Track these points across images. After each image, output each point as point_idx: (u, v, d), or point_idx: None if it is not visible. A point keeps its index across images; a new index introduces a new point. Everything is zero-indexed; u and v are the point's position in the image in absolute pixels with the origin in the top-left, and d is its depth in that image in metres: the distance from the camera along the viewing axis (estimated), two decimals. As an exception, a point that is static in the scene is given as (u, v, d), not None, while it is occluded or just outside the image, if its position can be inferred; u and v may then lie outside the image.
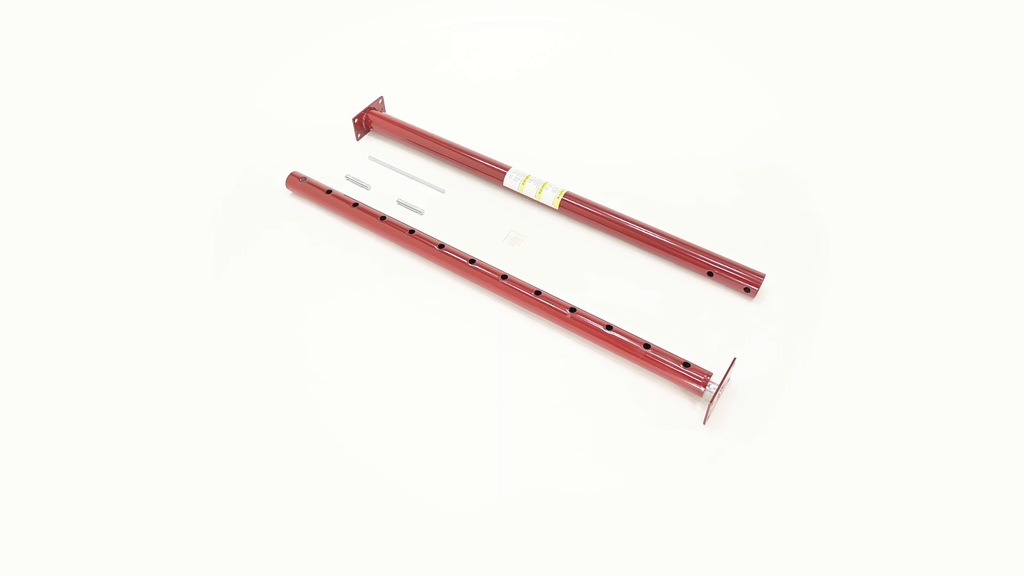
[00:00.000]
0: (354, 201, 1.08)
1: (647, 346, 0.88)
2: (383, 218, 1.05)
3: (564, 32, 1.43)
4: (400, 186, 1.15)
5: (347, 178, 1.16)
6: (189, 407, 0.88)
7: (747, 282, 0.96)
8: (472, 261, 0.99)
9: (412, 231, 1.03)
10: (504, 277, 0.97)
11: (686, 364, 0.87)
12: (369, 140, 1.23)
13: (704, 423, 0.85)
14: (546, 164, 1.15)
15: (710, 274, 0.98)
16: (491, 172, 1.12)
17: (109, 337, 0.94)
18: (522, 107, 1.28)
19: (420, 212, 1.11)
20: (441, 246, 1.01)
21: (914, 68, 1.33)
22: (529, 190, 1.09)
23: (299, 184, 1.11)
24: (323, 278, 1.02)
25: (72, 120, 1.25)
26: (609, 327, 0.91)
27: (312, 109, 1.27)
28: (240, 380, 0.90)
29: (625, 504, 0.79)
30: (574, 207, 1.06)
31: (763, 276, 0.97)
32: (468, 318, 0.97)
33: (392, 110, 1.25)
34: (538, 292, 0.95)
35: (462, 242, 1.04)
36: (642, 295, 0.99)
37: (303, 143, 1.22)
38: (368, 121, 1.22)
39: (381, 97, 1.24)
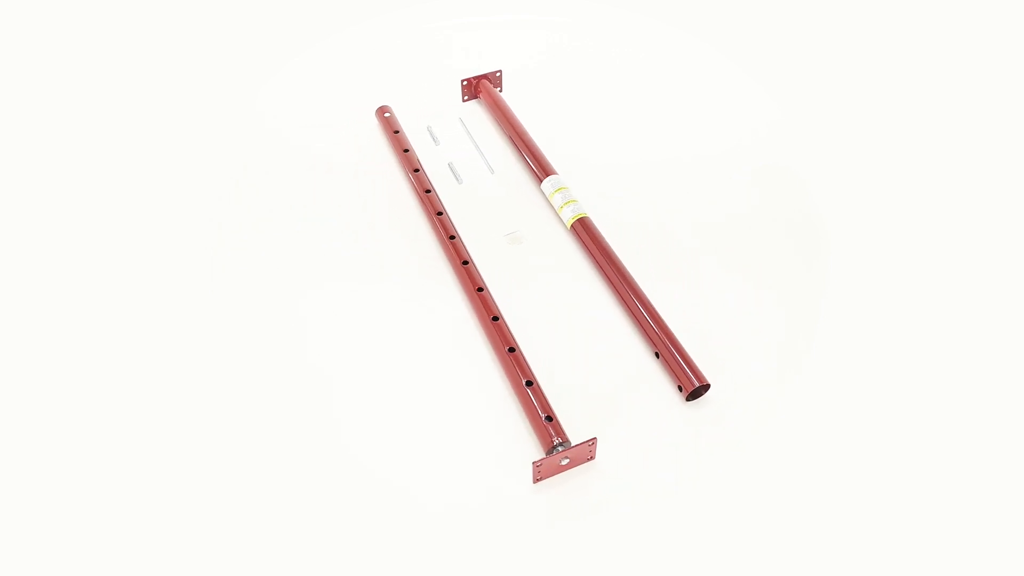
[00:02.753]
0: (406, 147, 1.16)
1: (528, 383, 0.84)
2: (416, 171, 1.12)
3: (564, 32, 1.43)
4: (462, 152, 1.20)
5: (427, 129, 1.24)
6: (186, 400, 0.87)
7: (683, 380, 0.85)
8: (452, 237, 1.02)
9: (428, 191, 1.08)
10: (465, 263, 0.98)
11: (548, 418, 0.81)
12: (472, 105, 1.29)
13: (534, 482, 0.79)
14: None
15: (656, 355, 0.89)
16: (536, 170, 1.12)
17: (108, 332, 0.94)
18: (520, 107, 1.25)
19: (460, 181, 1.15)
20: (440, 213, 1.05)
21: (915, 68, 1.33)
22: (555, 200, 1.07)
23: (382, 117, 1.22)
24: (320, 257, 1.04)
25: (72, 118, 1.27)
26: (511, 349, 0.88)
27: (312, 109, 1.30)
28: (234, 374, 0.90)
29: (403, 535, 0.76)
30: (581, 234, 1.02)
31: (707, 385, 0.85)
32: (428, 291, 0.99)
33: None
34: (480, 289, 0.95)
35: (474, 223, 1.07)
36: (598, 340, 0.93)
37: (418, 89, 1.31)
38: (477, 88, 1.28)
39: (500, 71, 1.28)
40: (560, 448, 0.79)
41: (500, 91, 1.30)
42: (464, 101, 1.29)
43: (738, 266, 1.01)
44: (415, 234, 1.07)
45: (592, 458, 0.81)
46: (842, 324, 0.94)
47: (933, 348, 0.91)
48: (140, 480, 0.80)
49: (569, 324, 0.95)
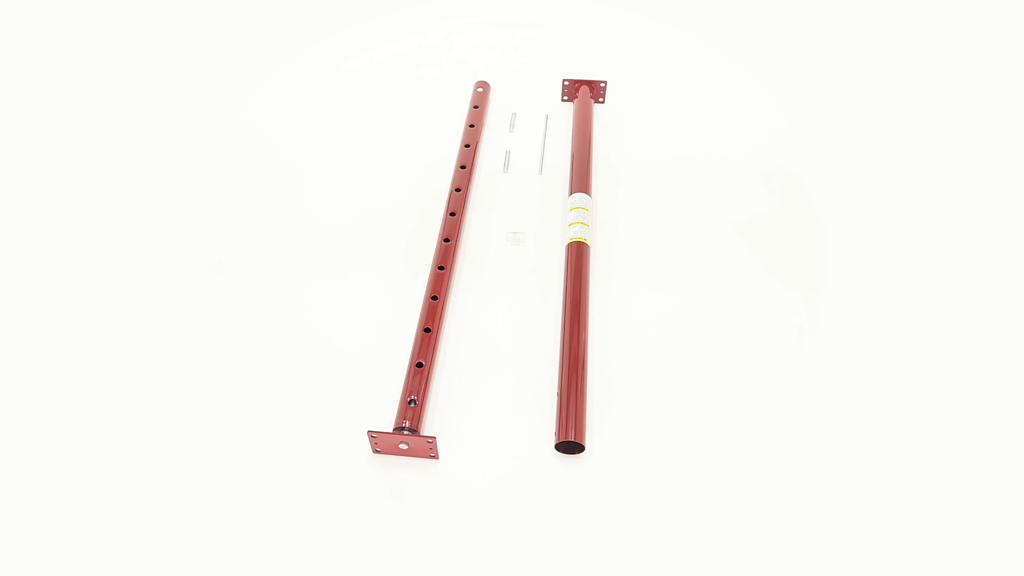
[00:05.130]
0: (472, 123, 1.19)
1: (419, 365, 0.85)
2: (467, 146, 1.15)
3: (564, 32, 1.45)
4: (526, 145, 1.21)
5: (512, 115, 1.27)
6: (181, 394, 0.88)
7: (560, 429, 0.80)
8: (452, 214, 1.04)
9: (464, 167, 1.12)
10: (446, 240, 1.01)
11: (412, 401, 0.82)
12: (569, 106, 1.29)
13: (372, 452, 0.81)
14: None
15: (557, 394, 0.85)
16: (574, 183, 1.09)
17: (105, 333, 0.94)
18: (519, 106, 1.27)
19: (506, 170, 1.17)
20: (458, 190, 1.08)
21: (918, 74, 1.37)
22: (569, 217, 1.04)
23: (478, 92, 1.27)
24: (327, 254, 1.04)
25: (72, 118, 1.26)
26: (427, 329, 0.89)
27: (306, 116, 1.28)
28: (223, 372, 0.90)
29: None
30: (570, 256, 0.99)
31: (580, 445, 0.80)
32: (416, 272, 1.01)
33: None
34: (441, 268, 0.97)
35: (490, 212, 1.10)
36: (525, 359, 0.91)
37: (523, 84, 1.33)
38: (575, 91, 1.27)
39: (605, 82, 1.26)
40: (405, 432, 0.80)
41: (602, 101, 1.28)
42: (563, 101, 1.29)
43: (739, 268, 1.02)
44: (424, 223, 1.07)
45: (434, 456, 0.81)
46: (842, 326, 0.95)
47: (933, 350, 0.92)
48: (141, 472, 0.81)
49: (510, 335, 0.94)
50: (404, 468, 0.81)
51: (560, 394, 0.84)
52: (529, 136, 1.23)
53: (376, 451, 0.81)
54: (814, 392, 0.87)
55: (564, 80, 1.27)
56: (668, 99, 1.31)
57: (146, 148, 1.21)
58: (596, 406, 0.85)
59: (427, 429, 0.84)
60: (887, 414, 0.86)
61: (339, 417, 0.85)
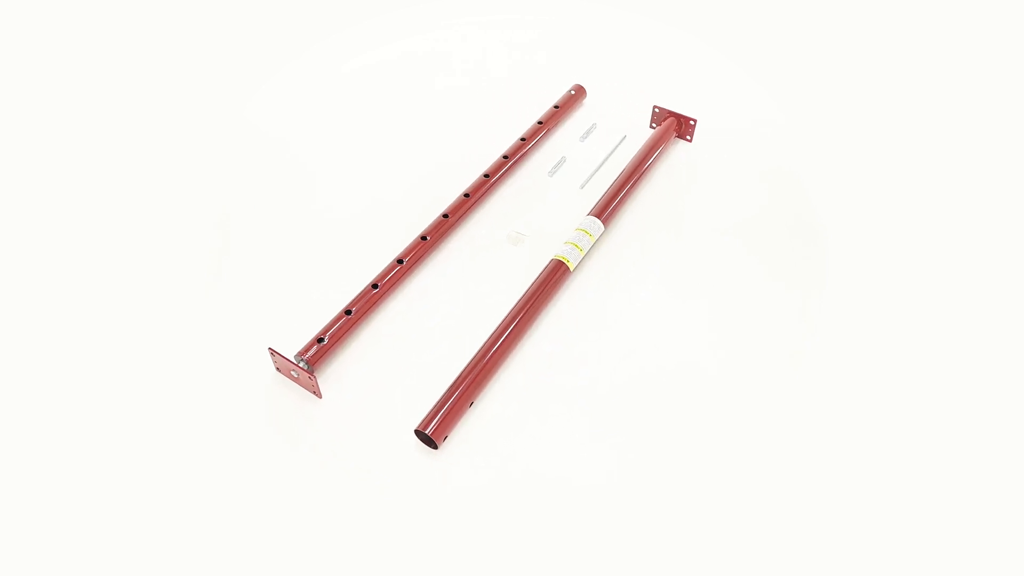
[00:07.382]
0: (541, 120, 1.20)
1: (348, 312, 0.91)
2: (523, 139, 1.16)
3: (564, 33, 1.45)
4: (587, 158, 1.19)
5: (592, 124, 1.25)
6: (182, 391, 0.88)
7: (426, 418, 0.82)
8: (467, 195, 1.07)
9: (506, 157, 1.13)
10: (445, 216, 1.04)
11: (320, 340, 0.88)
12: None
13: (275, 369, 0.89)
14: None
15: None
16: (597, 206, 1.06)
17: (102, 339, 0.93)
18: (519, 107, 1.25)
19: (550, 175, 1.16)
20: (487, 176, 1.10)
21: (918, 73, 1.36)
22: (571, 235, 1.02)
23: (570, 95, 1.26)
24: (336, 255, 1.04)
25: (71, 119, 1.24)
26: (375, 285, 0.94)
27: (306, 116, 1.25)
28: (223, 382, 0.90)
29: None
30: (547, 270, 0.97)
31: (433, 443, 0.80)
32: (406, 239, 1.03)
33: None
34: (424, 238, 1.01)
35: (513, 206, 1.11)
36: (454, 345, 0.92)
37: (616, 94, 1.30)
38: (661, 119, 1.21)
39: (695, 120, 1.18)
40: (301, 363, 0.86)
41: (689, 139, 1.21)
42: (650, 127, 1.24)
43: (738, 268, 1.02)
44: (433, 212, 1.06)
45: (317, 395, 0.86)
46: (840, 327, 0.95)
47: (932, 351, 0.92)
48: (134, 475, 0.81)
49: (459, 321, 0.96)
50: (294, 395, 0.88)
51: (450, 387, 0.85)
52: (598, 151, 1.21)
53: (277, 369, 0.89)
54: (813, 394, 0.87)
55: (655, 107, 1.22)
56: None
57: (147, 148, 1.20)
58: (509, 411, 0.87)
59: (328, 372, 0.89)
60: (886, 419, 0.85)
61: (276, 337, 0.92)
